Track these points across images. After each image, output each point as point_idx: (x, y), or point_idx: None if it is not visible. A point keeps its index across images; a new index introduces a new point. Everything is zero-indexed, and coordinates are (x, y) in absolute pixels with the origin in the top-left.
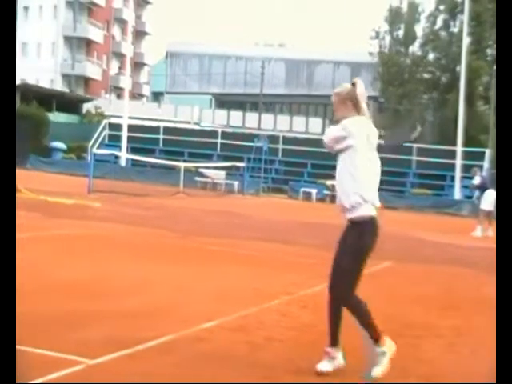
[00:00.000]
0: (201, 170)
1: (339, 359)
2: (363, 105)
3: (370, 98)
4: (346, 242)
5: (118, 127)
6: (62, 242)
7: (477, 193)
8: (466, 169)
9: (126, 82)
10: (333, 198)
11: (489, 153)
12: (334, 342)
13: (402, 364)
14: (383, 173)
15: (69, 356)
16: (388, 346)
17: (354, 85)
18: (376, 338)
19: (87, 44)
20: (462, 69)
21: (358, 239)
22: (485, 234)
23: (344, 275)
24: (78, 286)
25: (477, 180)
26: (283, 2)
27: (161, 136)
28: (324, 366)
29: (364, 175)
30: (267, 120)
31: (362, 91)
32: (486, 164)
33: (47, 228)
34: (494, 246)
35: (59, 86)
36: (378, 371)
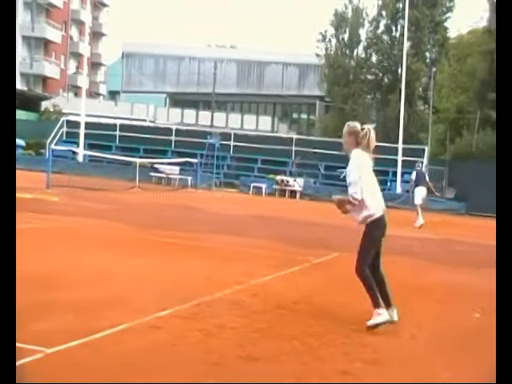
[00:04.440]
0: (156, 165)
1: (389, 316)
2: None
3: (316, 97)
4: None
5: (75, 124)
6: (19, 236)
7: (407, 188)
8: (407, 165)
9: (83, 81)
10: (281, 192)
11: (427, 150)
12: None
13: (347, 349)
14: (328, 168)
15: (28, 345)
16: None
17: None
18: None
19: (45, 44)
20: (403, 71)
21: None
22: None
23: None
24: (35, 277)
25: (413, 175)
26: (234, 5)
27: (117, 133)
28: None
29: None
30: (219, 118)
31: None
32: (425, 160)
33: None
34: (432, 236)
35: (18, 85)
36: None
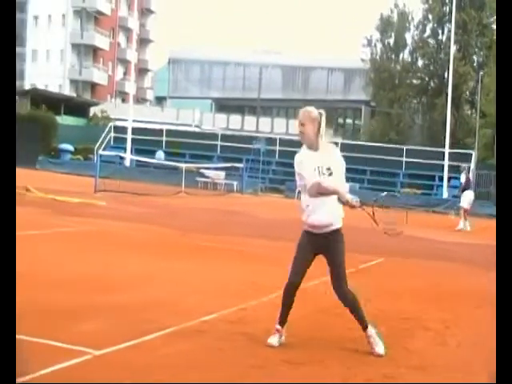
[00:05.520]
0: (202, 170)
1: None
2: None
3: (362, 102)
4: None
5: (122, 130)
6: (69, 239)
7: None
8: (453, 169)
9: (130, 87)
10: None
11: (474, 154)
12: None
13: (393, 355)
14: (375, 173)
15: (76, 347)
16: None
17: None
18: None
19: (94, 51)
20: (450, 74)
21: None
22: (464, 228)
23: None
24: (84, 280)
25: (462, 178)
26: (280, 11)
27: (163, 138)
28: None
29: None
30: (265, 123)
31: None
32: (472, 165)
33: (55, 225)
34: (479, 241)
35: (67, 91)
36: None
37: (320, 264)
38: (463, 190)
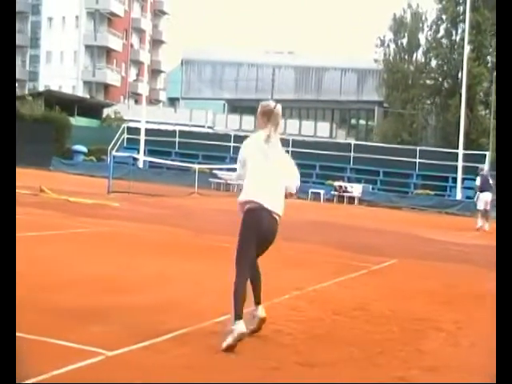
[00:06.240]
0: (214, 171)
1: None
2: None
3: (375, 103)
4: None
5: (136, 131)
6: (82, 240)
7: (476, 194)
8: (467, 170)
9: (143, 88)
10: (340, 198)
11: (489, 155)
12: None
13: (405, 356)
14: (388, 174)
15: (89, 347)
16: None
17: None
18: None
19: (107, 52)
20: (464, 75)
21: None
22: (482, 229)
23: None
24: (97, 280)
25: (477, 181)
26: (292, 12)
27: (176, 139)
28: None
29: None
30: None
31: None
32: (486, 166)
33: (69, 226)
34: (492, 243)
35: (80, 92)
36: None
37: (330, 266)
38: (480, 192)
